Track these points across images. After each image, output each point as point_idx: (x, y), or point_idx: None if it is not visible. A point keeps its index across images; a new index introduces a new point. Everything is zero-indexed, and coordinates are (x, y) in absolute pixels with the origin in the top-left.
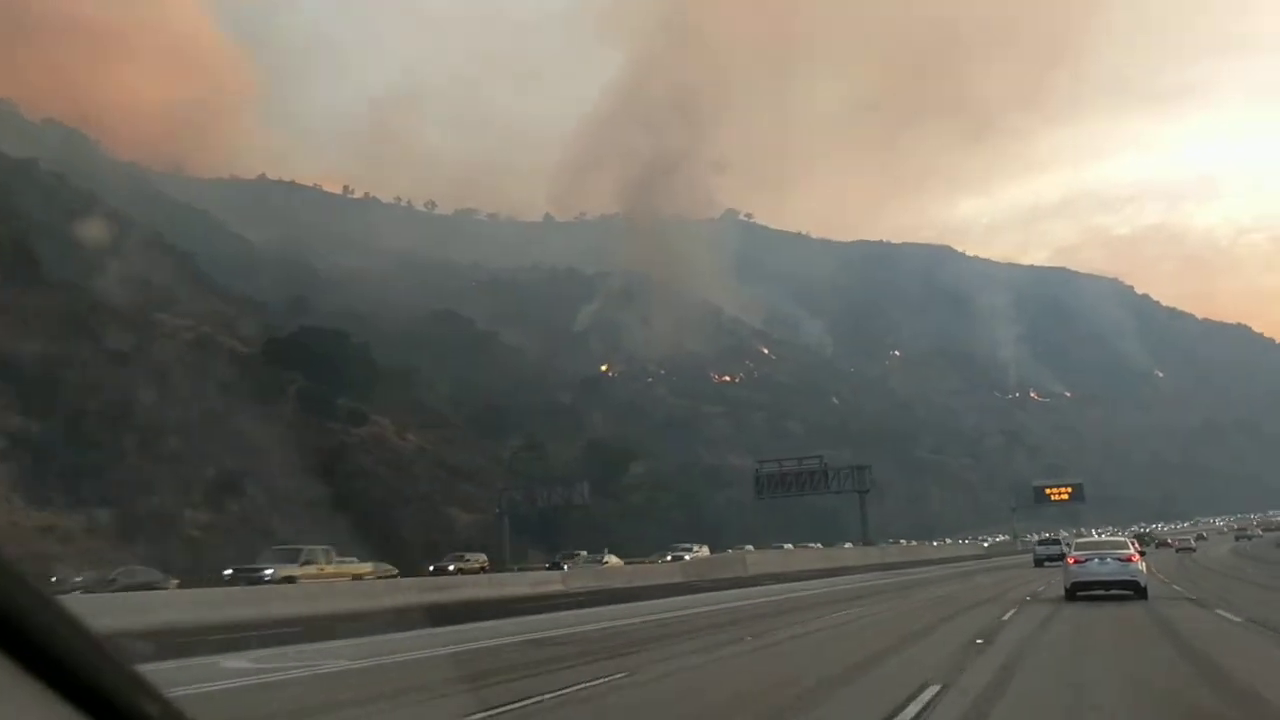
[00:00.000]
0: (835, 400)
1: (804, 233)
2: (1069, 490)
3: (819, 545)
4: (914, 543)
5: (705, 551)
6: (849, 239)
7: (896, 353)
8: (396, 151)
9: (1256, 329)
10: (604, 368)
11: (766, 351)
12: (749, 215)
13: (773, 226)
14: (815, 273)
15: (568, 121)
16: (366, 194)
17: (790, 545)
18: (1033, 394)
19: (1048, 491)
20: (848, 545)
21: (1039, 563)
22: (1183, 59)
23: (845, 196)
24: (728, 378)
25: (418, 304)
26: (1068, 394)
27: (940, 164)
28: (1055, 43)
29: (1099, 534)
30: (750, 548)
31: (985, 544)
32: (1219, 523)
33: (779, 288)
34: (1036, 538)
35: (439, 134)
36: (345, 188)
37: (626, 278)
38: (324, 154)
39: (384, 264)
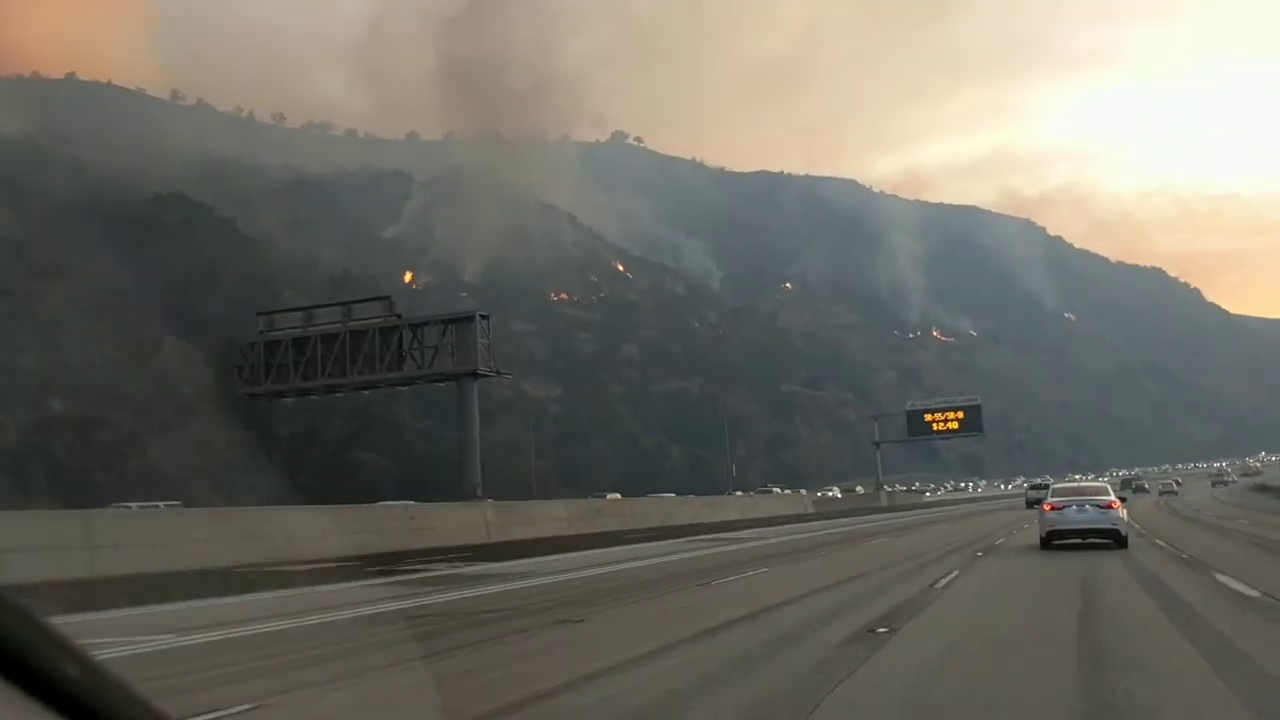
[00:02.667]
0: (697, 325)
1: (699, 159)
2: (958, 416)
3: (404, 502)
4: (668, 495)
5: None
6: (750, 169)
7: (788, 285)
8: (255, 63)
9: (1171, 273)
10: (407, 277)
11: (622, 269)
12: (639, 139)
13: (666, 153)
14: (709, 200)
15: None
16: (200, 100)
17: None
18: (935, 333)
19: (928, 418)
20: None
21: (1030, 505)
22: (1095, 22)
23: (755, 142)
24: (564, 295)
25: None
26: (973, 333)
27: (855, 121)
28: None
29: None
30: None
31: (821, 495)
32: (1118, 474)
33: (663, 211)
34: (1026, 482)
35: (311, 49)
36: (174, 93)
37: (461, 181)
38: (177, 62)
39: (159, 163)
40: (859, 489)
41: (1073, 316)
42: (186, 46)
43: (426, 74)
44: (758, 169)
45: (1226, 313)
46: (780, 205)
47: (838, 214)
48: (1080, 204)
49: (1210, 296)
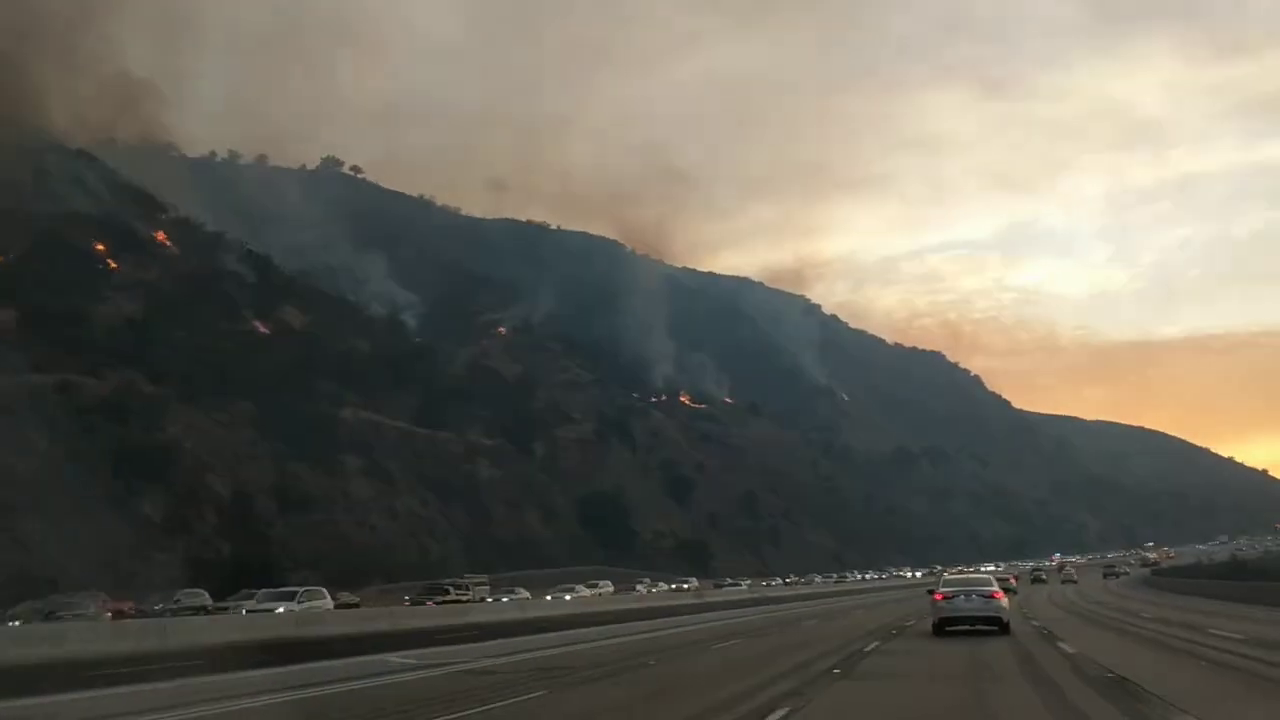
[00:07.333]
0: (264, 330)
1: (430, 197)
2: None
3: None
4: None
5: None
6: (497, 215)
7: (501, 330)
8: None
9: (951, 358)
10: None
11: (164, 240)
12: (357, 169)
13: (387, 186)
14: (423, 234)
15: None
16: None
17: None
18: (683, 397)
19: None
20: None
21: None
22: (870, 153)
23: (518, 198)
24: None
25: None
26: (727, 400)
27: (643, 230)
28: (753, 123)
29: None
30: None
31: None
32: (918, 575)
33: (362, 236)
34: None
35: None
36: None
37: None
38: None
39: None
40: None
41: (847, 397)
42: None
43: None
44: (504, 217)
45: (1009, 404)
46: (520, 253)
47: (587, 267)
48: (856, 320)
49: (992, 387)
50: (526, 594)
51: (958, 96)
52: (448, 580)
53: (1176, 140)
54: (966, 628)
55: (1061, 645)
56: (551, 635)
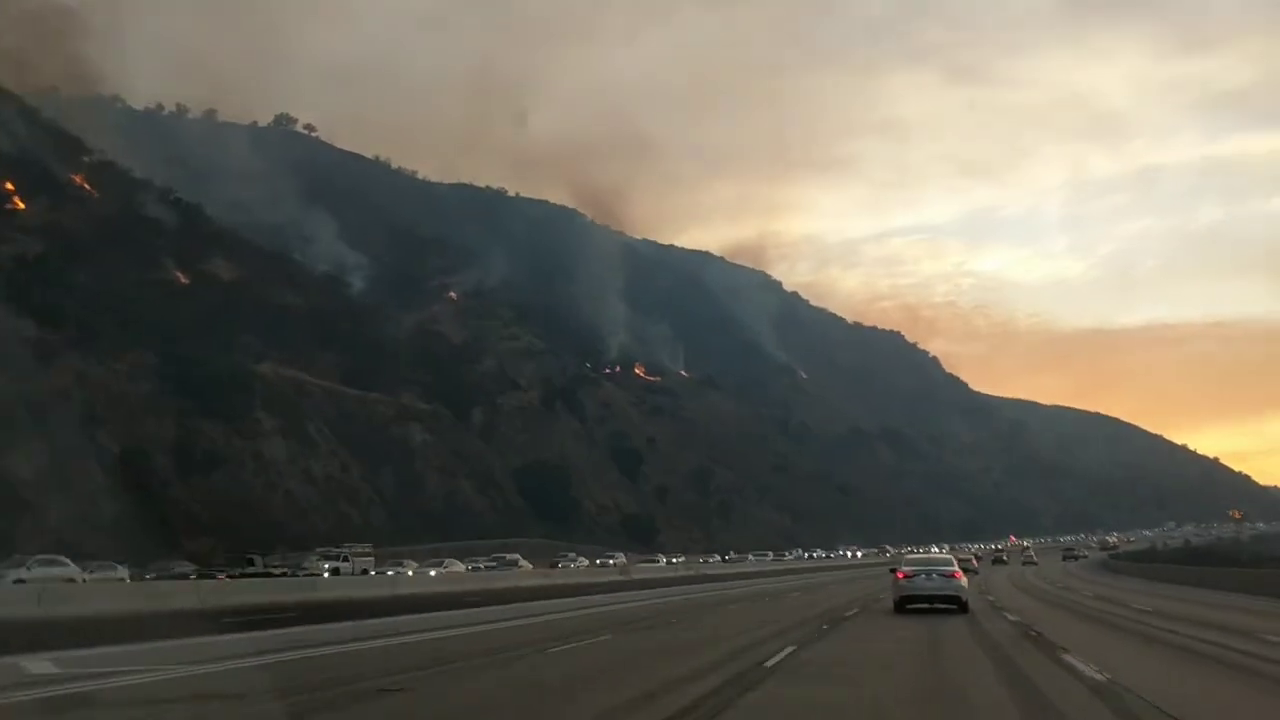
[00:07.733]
0: (183, 279)
1: (384, 159)
2: None
3: None
4: None
5: None
6: (454, 180)
7: (452, 295)
8: None
9: (910, 339)
10: None
11: (85, 184)
12: (310, 128)
13: (343, 147)
14: (378, 194)
15: None
16: None
17: None
18: (637, 369)
19: None
20: None
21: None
22: (836, 134)
23: (481, 164)
24: None
25: None
26: (682, 373)
27: (604, 200)
28: (719, 99)
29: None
30: None
31: None
32: (860, 555)
33: (302, 195)
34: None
35: None
36: None
37: None
38: None
39: None
40: None
41: (805, 375)
42: None
43: None
44: (461, 181)
45: (967, 385)
46: (475, 218)
47: (544, 235)
48: (818, 300)
49: (949, 369)
50: (415, 568)
51: (924, 80)
52: (321, 549)
53: (1138, 132)
54: (926, 605)
55: (1068, 659)
56: (375, 622)
